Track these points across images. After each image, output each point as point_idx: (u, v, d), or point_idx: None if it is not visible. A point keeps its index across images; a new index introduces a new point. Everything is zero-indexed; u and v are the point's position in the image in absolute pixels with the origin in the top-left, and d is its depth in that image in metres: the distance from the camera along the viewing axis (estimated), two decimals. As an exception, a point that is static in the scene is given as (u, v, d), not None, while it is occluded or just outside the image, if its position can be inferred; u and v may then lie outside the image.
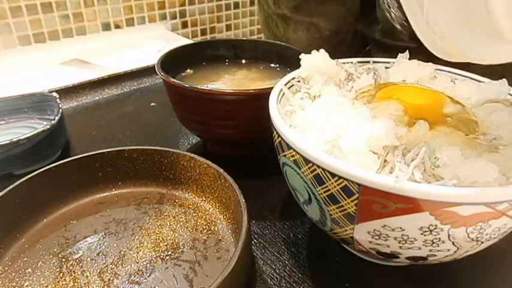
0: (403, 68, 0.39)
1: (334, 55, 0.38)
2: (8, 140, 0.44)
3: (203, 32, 1.34)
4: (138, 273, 0.33)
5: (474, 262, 0.36)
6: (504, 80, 0.35)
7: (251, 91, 0.42)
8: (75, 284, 0.32)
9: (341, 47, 0.56)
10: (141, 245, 0.36)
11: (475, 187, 0.24)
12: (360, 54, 0.41)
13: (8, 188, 0.35)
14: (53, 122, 0.47)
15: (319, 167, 0.27)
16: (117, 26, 1.14)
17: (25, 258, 0.34)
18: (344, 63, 0.39)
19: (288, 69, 0.54)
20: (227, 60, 0.57)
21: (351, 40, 0.70)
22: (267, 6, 0.71)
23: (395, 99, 0.32)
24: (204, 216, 0.39)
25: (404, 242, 0.27)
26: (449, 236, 0.26)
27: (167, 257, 0.34)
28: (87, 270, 0.33)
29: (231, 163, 0.39)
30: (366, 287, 0.35)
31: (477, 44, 0.30)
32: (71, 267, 0.34)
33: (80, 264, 0.34)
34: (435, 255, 0.28)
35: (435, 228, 0.25)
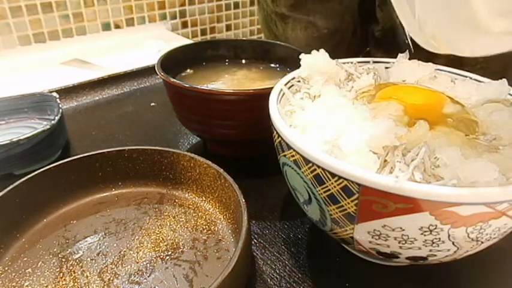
0: (403, 68, 0.39)
1: (333, 55, 0.38)
2: (8, 140, 0.44)
3: (203, 32, 1.34)
4: (138, 273, 0.33)
5: (474, 262, 0.36)
6: (504, 80, 0.35)
7: (251, 91, 0.42)
8: (75, 284, 0.32)
9: (340, 47, 0.56)
10: (141, 245, 0.36)
11: (475, 187, 0.24)
12: (360, 54, 0.42)
13: (8, 188, 0.35)
14: (53, 122, 0.47)
15: (319, 167, 0.27)
16: (117, 26, 1.14)
17: (25, 258, 0.34)
18: (344, 63, 0.39)
19: (288, 69, 0.54)
20: (227, 60, 0.57)
21: (351, 40, 0.71)
22: (265, 5, 0.71)
23: (395, 99, 0.32)
24: (204, 216, 0.39)
25: (404, 242, 0.27)
26: (449, 236, 0.26)
27: (167, 257, 0.34)
28: (87, 270, 0.33)
29: (231, 163, 0.39)
30: (366, 287, 0.35)
31: (464, 40, 0.31)
32: (71, 267, 0.34)
33: (80, 264, 0.34)
34: (435, 255, 0.28)
35: (435, 228, 0.25)
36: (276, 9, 0.69)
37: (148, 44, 1.08)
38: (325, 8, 0.64)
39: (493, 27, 0.31)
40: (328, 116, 0.31)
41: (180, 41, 1.14)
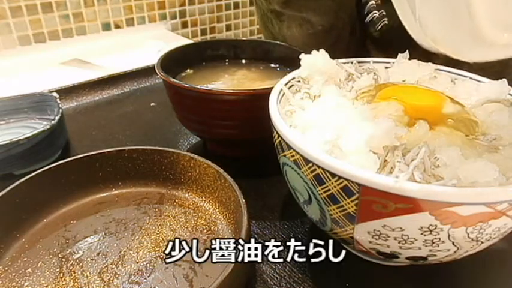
0: (403, 68, 0.39)
1: (332, 54, 0.38)
2: (8, 140, 0.44)
3: (203, 32, 1.34)
4: (138, 273, 0.33)
5: (474, 262, 0.36)
6: (504, 80, 0.35)
7: (251, 91, 0.42)
8: (75, 284, 0.32)
9: (338, 46, 0.56)
10: (141, 245, 0.36)
11: (475, 187, 0.24)
12: (359, 54, 0.42)
13: (8, 188, 0.35)
14: (53, 122, 0.47)
15: (319, 167, 0.27)
16: (117, 26, 1.14)
17: (25, 258, 0.34)
18: (344, 63, 0.39)
19: (288, 69, 0.54)
20: (227, 60, 0.57)
21: (350, 39, 0.70)
22: (261, 4, 0.71)
23: (395, 99, 0.32)
24: (204, 216, 0.39)
25: (404, 242, 0.27)
26: (449, 236, 0.26)
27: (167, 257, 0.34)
28: (87, 270, 0.33)
29: (231, 163, 0.39)
30: (366, 287, 0.35)
31: (465, 46, 0.31)
32: (71, 267, 0.34)
33: (80, 264, 0.34)
34: (435, 255, 0.28)
35: (435, 228, 0.25)
36: (269, 6, 0.69)
37: (148, 44, 1.08)
38: (318, 5, 0.63)
39: (498, 40, 0.31)
40: (328, 116, 0.31)
41: (180, 41, 1.14)
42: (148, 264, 0.34)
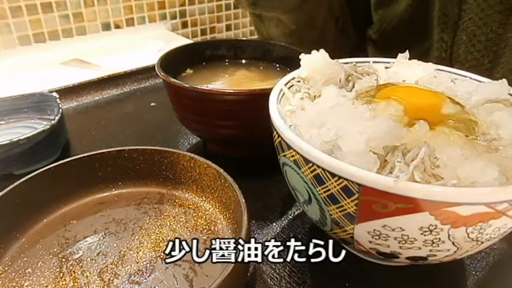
0: (403, 68, 0.39)
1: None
2: (8, 140, 0.44)
3: (203, 32, 1.34)
4: (138, 273, 0.33)
5: (474, 262, 0.36)
6: (504, 80, 0.35)
7: (251, 91, 0.42)
8: (75, 284, 0.32)
9: (323, 46, 0.54)
10: (141, 245, 0.36)
11: (475, 187, 0.24)
12: (355, 54, 0.42)
13: (8, 188, 0.35)
14: (53, 122, 0.47)
15: (319, 167, 0.27)
16: (117, 26, 1.14)
17: (25, 258, 0.34)
18: (344, 63, 0.39)
19: (288, 69, 0.54)
20: (227, 60, 0.57)
21: (339, 39, 0.69)
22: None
23: (395, 99, 0.32)
24: (204, 216, 0.39)
25: (404, 242, 0.27)
26: (449, 236, 0.26)
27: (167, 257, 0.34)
28: (87, 270, 0.33)
29: (231, 163, 0.39)
30: (366, 287, 0.35)
31: None
32: (71, 267, 0.34)
33: (80, 264, 0.34)
34: (435, 255, 0.28)
35: (435, 228, 0.25)
36: (240, 8, 0.68)
37: (148, 44, 1.08)
38: (281, 4, 0.62)
39: None
40: (328, 116, 0.31)
41: (180, 41, 1.14)
42: (148, 264, 0.34)
